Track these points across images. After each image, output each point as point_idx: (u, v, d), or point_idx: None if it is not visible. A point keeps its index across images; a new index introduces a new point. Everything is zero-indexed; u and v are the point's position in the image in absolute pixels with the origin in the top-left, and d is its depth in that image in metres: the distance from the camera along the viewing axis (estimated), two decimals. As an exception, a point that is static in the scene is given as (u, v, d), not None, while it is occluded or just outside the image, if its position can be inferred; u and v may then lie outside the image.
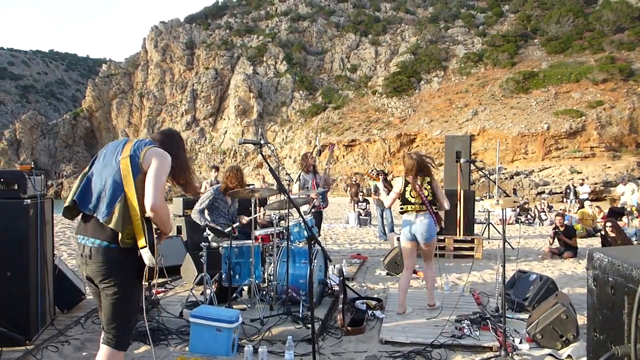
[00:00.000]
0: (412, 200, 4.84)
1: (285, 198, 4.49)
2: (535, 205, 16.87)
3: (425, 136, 40.60)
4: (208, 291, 4.89)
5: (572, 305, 4.48)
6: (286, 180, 5.25)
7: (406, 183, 4.92)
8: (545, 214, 15.85)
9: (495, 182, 6.68)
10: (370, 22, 59.91)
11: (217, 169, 12.00)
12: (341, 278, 5.18)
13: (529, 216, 15.49)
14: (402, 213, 4.95)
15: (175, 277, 6.36)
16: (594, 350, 1.16)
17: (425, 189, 4.95)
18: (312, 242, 3.04)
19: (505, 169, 31.59)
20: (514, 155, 34.33)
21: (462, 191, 8.81)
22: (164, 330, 4.32)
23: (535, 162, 33.63)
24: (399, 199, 4.97)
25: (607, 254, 1.06)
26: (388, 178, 12.24)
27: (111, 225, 2.57)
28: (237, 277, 5.06)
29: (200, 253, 4.97)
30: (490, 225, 11.21)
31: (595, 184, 26.42)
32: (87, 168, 2.81)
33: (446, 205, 4.98)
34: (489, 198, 6.85)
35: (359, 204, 15.74)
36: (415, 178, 4.88)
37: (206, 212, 5.83)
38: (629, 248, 1.28)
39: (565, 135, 33.15)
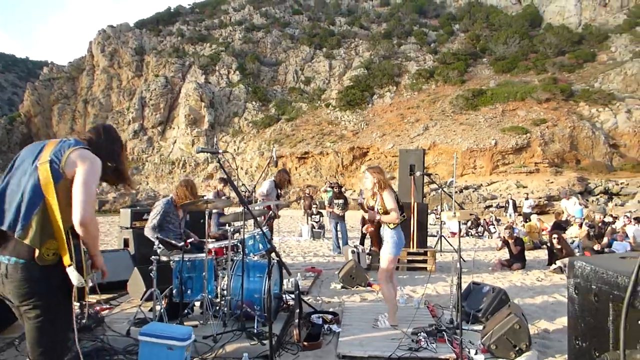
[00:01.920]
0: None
1: (242, 210, 4.45)
2: (485, 219, 17.46)
3: (377, 149, 41.30)
4: (158, 307, 4.74)
5: (524, 315, 4.59)
6: (242, 190, 5.18)
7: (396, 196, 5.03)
8: (495, 227, 16.32)
9: (451, 196, 6.84)
10: (325, 35, 60.77)
11: (225, 181, 10.69)
12: (297, 292, 5.13)
13: (479, 229, 16.03)
14: (395, 227, 4.87)
15: (122, 292, 6.12)
16: (576, 358, 1.16)
17: None
18: (271, 255, 3.00)
19: (455, 181, 32.43)
20: (463, 170, 35.48)
21: (415, 204, 8.98)
22: (109, 350, 4.12)
23: (484, 177, 34.87)
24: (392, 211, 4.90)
25: (590, 263, 1.07)
26: (342, 190, 12.46)
27: (27, 241, 2.33)
28: (189, 292, 4.93)
29: (150, 267, 4.78)
30: (443, 238, 11.38)
31: (540, 198, 27.61)
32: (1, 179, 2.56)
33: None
34: (447, 210, 6.99)
35: (312, 216, 15.74)
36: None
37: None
38: (609, 256, 1.30)
39: (512, 150, 34.64)
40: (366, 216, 5.14)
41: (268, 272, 2.88)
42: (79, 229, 2.37)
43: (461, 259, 9.77)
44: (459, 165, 35.48)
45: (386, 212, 4.86)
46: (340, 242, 11.46)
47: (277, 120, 49.64)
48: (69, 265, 2.35)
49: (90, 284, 2.49)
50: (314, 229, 15.26)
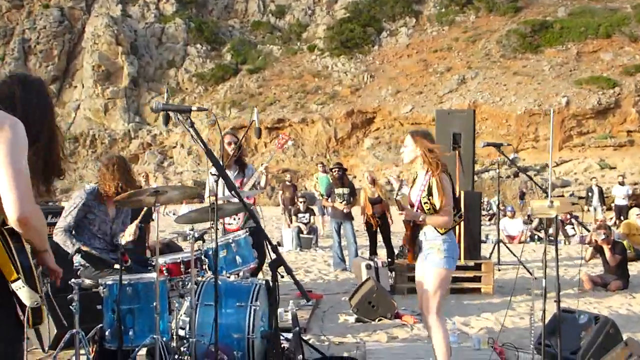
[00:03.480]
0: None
1: (213, 203, 4.38)
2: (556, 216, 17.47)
3: (388, 114, 41.36)
4: (83, 359, 4.74)
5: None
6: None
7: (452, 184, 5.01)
8: (574, 227, 16.33)
9: (534, 179, 6.78)
10: (305, -59, 62.08)
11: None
12: (295, 329, 5.18)
13: (550, 230, 15.96)
14: (447, 231, 4.83)
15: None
16: None
17: None
18: (277, 269, 2.94)
19: (519, 158, 33.00)
20: (518, 142, 35.57)
21: (462, 193, 8.80)
22: None
23: (550, 153, 35.13)
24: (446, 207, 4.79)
25: None
26: (345, 174, 12.56)
27: None
28: (130, 333, 4.83)
29: (69, 296, 4.70)
30: (501, 245, 11.49)
31: (636, 183, 27.66)
32: None
33: None
34: (537, 199, 6.97)
35: (298, 215, 15.63)
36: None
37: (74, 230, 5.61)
38: None
39: (592, 113, 34.69)
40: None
41: (271, 299, 2.83)
42: (18, 227, 2.41)
43: (528, 275, 9.89)
44: (512, 135, 35.58)
45: (435, 210, 4.73)
46: (347, 252, 11.42)
47: (236, 72, 49.44)
48: (15, 280, 2.38)
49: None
50: (300, 235, 15.10)
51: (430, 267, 4.78)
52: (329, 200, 11.83)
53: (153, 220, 8.26)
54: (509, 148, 30.71)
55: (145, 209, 5.39)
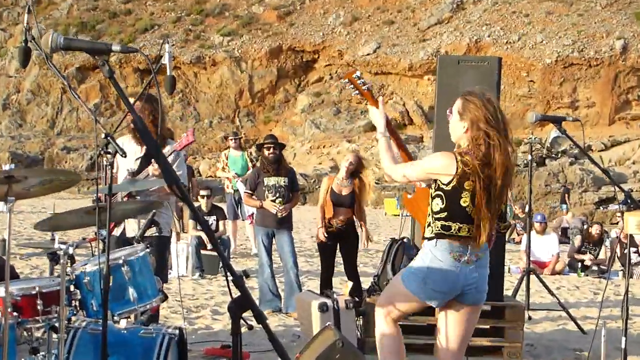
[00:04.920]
0: (471, 212, 5.16)
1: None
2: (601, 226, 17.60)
3: (338, 56, 40.62)
4: None
5: None
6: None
7: (463, 172, 5.05)
8: (638, 253, 16.37)
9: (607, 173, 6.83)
10: None
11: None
12: None
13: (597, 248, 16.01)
14: (433, 238, 5.27)
15: None
16: None
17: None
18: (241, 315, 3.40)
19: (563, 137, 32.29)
20: (546, 108, 35.28)
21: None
22: None
23: (596, 127, 35.14)
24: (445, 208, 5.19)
25: None
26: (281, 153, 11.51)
27: None
28: None
29: None
30: (533, 276, 11.04)
31: None
32: None
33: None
34: (621, 208, 6.96)
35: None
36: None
37: None
38: None
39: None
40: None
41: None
42: None
43: (578, 331, 9.58)
44: (535, 96, 35.37)
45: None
46: (284, 280, 10.90)
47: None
48: None
49: None
50: (202, 252, 14.59)
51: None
52: (252, 197, 11.00)
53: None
54: (572, 126, 29.52)
55: None
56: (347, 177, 10.56)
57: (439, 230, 5.18)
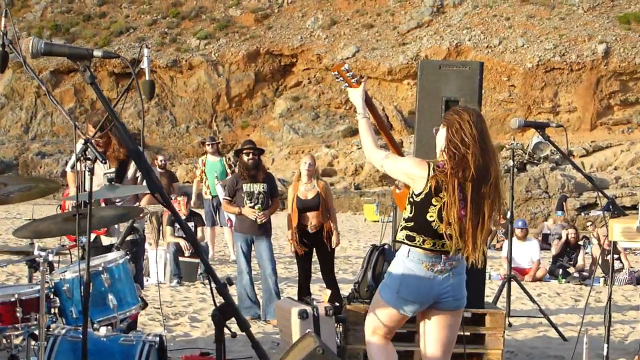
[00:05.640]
0: (437, 227, 5.18)
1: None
2: (588, 232, 17.65)
3: (317, 60, 40.57)
4: None
5: None
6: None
7: (436, 181, 5.07)
8: (621, 259, 16.36)
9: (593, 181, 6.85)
10: None
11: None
12: None
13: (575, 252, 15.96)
14: (404, 241, 5.30)
15: None
16: None
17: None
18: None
19: (546, 143, 32.07)
20: (526, 113, 35.05)
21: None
22: None
23: (577, 132, 34.68)
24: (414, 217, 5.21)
25: None
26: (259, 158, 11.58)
27: None
28: None
29: None
30: (514, 282, 11.04)
31: None
32: None
33: None
34: (605, 216, 6.91)
35: (175, 225, 15.11)
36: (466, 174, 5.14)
37: None
38: None
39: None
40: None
41: None
42: None
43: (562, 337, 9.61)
44: (516, 101, 35.28)
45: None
46: (263, 287, 10.94)
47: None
48: None
49: None
50: (180, 258, 14.72)
51: None
52: (232, 203, 11.07)
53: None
54: (554, 131, 29.98)
55: None
56: (309, 181, 10.67)
57: (403, 239, 5.26)
